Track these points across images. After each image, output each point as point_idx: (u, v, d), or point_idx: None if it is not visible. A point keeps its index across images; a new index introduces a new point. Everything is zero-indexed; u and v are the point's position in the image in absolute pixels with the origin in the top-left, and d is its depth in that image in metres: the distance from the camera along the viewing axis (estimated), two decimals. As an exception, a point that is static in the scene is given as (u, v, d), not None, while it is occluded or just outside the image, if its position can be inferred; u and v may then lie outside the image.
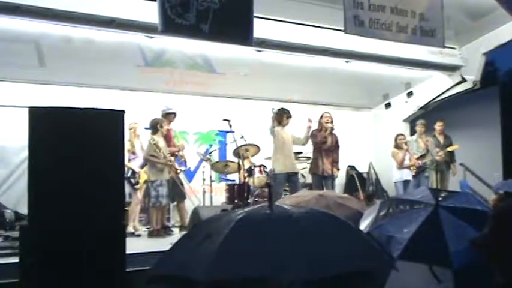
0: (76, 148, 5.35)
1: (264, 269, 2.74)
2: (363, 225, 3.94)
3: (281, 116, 9.66)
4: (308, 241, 2.83)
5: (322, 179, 9.75)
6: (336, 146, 9.88)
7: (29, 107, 5.48)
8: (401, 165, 10.91)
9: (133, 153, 9.60)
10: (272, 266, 2.72)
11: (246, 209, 3.22)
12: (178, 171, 9.47)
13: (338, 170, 10.04)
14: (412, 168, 10.79)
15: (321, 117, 10.01)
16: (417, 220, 3.60)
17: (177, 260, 3.07)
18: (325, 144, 9.72)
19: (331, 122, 9.81)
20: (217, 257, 2.72)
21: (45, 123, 5.37)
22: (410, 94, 12.78)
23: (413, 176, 10.80)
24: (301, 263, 2.71)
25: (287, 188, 9.73)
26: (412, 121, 12.57)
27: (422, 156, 10.87)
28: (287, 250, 2.77)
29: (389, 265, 3.12)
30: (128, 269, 5.55)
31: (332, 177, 9.64)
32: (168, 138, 9.45)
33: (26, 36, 8.75)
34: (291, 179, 9.63)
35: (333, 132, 9.80)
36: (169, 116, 9.68)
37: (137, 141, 9.74)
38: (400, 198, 4.41)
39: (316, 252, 2.77)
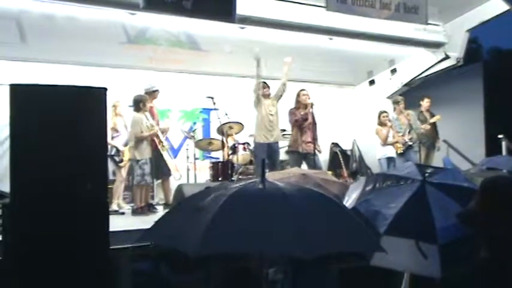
0: (58, 126, 5.28)
1: (253, 245, 2.74)
2: (349, 200, 3.93)
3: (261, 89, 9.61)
4: (300, 219, 2.83)
5: (301, 158, 9.69)
6: (314, 123, 9.77)
7: (10, 85, 5.40)
8: (385, 142, 10.90)
9: (116, 130, 9.52)
10: (261, 242, 2.72)
11: (238, 184, 3.19)
12: (164, 146, 9.35)
13: (318, 146, 9.93)
14: (397, 145, 10.73)
15: (298, 95, 9.86)
16: (403, 195, 3.59)
17: (165, 232, 3.06)
18: (306, 121, 9.66)
19: (309, 98, 9.75)
20: (208, 231, 2.72)
21: (27, 101, 5.29)
22: (394, 71, 12.78)
23: (400, 154, 10.67)
24: (292, 240, 2.70)
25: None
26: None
27: (407, 133, 10.81)
28: (279, 227, 2.76)
29: (377, 246, 3.12)
30: (111, 247, 5.53)
31: (313, 155, 9.57)
32: (152, 116, 9.35)
33: (6, 12, 8.63)
34: (271, 149, 9.58)
35: (310, 110, 9.67)
36: (152, 94, 9.57)
37: (119, 119, 9.65)
38: (386, 174, 4.39)
39: (307, 231, 2.76)
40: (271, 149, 9.56)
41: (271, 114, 9.62)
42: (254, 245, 2.76)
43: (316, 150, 9.65)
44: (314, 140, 9.65)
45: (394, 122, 10.97)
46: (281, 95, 9.79)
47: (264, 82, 9.71)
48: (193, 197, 3.46)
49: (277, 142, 9.79)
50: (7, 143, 5.89)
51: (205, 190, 3.42)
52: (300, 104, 9.80)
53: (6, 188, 5.74)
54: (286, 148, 10.20)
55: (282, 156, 10.51)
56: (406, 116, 10.97)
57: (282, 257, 3.21)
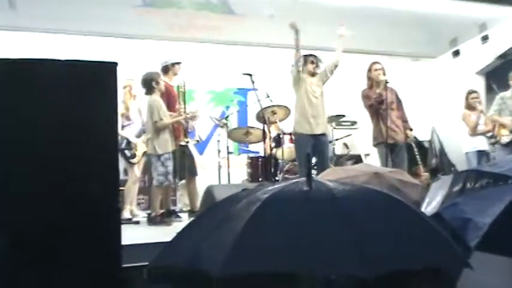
0: (55, 111, 5.31)
1: (297, 262, 2.71)
2: (431, 203, 3.87)
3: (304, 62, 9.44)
4: (358, 229, 2.78)
5: (389, 149, 9.30)
6: (398, 103, 9.54)
7: (-5, 59, 5.46)
8: (473, 132, 10.75)
9: (128, 118, 9.53)
10: (308, 259, 2.69)
11: (277, 186, 3.17)
12: (186, 141, 9.37)
13: (411, 130, 9.63)
14: (500, 132, 10.15)
15: (369, 69, 9.61)
16: (503, 200, 3.50)
17: (186, 250, 3.04)
18: (382, 104, 9.42)
19: (384, 73, 9.54)
20: (237, 247, 2.70)
21: (16, 80, 5.33)
22: (485, 38, 12.58)
23: (505, 145, 10.13)
24: (349, 256, 2.67)
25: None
26: (488, 74, 12.41)
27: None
28: (330, 239, 2.73)
29: (463, 261, 3.07)
30: (124, 265, 5.57)
31: (402, 145, 9.37)
32: (169, 99, 9.26)
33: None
34: (318, 142, 9.31)
35: (388, 85, 9.36)
36: (171, 69, 9.47)
37: (133, 102, 9.65)
38: (480, 170, 4.26)
39: (368, 243, 2.73)
40: (318, 143, 9.27)
41: (315, 97, 9.36)
42: (294, 262, 2.73)
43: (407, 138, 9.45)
44: (403, 122, 9.43)
45: (506, 102, 10.49)
46: (327, 78, 9.60)
47: (313, 55, 9.57)
48: (221, 203, 3.45)
49: (325, 134, 9.49)
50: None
51: (236, 194, 3.39)
52: (373, 82, 9.54)
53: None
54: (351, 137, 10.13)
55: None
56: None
57: (338, 277, 3.17)
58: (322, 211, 2.87)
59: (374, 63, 9.66)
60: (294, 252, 2.70)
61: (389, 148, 9.24)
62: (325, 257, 2.68)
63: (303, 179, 3.14)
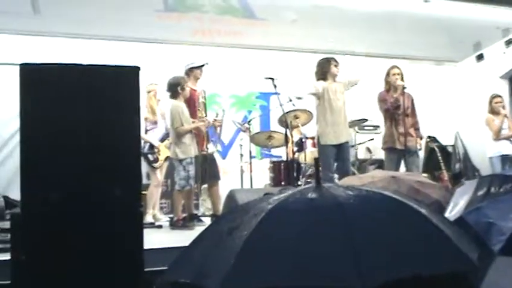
0: (79, 116, 5.34)
1: (302, 276, 2.67)
2: (455, 207, 3.84)
3: (328, 65, 9.41)
4: (356, 236, 2.72)
5: (400, 155, 9.34)
6: (412, 109, 9.53)
7: (20, 64, 5.49)
8: (497, 136, 10.71)
9: (151, 122, 9.60)
10: (312, 272, 2.65)
11: (284, 194, 3.12)
12: (206, 148, 9.37)
13: (421, 138, 9.71)
14: None
15: (388, 74, 9.54)
16: (527, 204, 3.49)
17: (195, 262, 2.99)
18: (398, 109, 9.39)
19: (402, 78, 9.50)
20: (238, 261, 2.62)
21: (41, 85, 5.36)
22: (509, 42, 12.49)
23: None
24: (348, 267, 2.62)
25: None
26: (512, 78, 12.35)
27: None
28: (336, 251, 2.68)
29: (473, 265, 3.02)
30: (146, 269, 5.58)
31: (415, 150, 9.37)
32: (190, 103, 9.22)
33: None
34: (341, 149, 9.29)
35: (405, 91, 9.33)
36: (192, 72, 9.44)
37: (157, 107, 9.73)
38: (505, 175, 4.24)
39: (368, 253, 2.67)
40: (341, 150, 9.27)
41: (339, 105, 9.30)
42: (294, 279, 2.67)
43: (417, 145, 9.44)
44: (415, 130, 9.44)
45: None
46: (347, 89, 9.55)
47: (333, 59, 9.49)
48: (230, 213, 3.40)
49: (347, 142, 9.49)
50: (16, 139, 6.02)
51: (246, 204, 3.33)
52: (390, 86, 9.50)
53: (16, 194, 5.86)
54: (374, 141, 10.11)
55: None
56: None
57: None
58: (329, 219, 2.81)
59: (393, 67, 9.61)
60: (295, 267, 2.65)
61: (401, 154, 9.29)
62: (325, 270, 2.64)
63: (311, 185, 3.11)
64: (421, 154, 12.12)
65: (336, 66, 9.39)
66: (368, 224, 2.79)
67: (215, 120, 9.55)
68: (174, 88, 8.96)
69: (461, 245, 2.97)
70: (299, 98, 10.10)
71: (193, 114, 9.20)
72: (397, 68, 9.57)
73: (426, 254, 2.80)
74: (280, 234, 2.74)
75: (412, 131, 9.36)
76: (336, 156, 9.15)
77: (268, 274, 2.61)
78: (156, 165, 9.52)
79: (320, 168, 9.53)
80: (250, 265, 2.63)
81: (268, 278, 2.60)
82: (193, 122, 9.05)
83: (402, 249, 2.75)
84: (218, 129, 9.70)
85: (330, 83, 9.32)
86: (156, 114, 9.62)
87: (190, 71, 9.44)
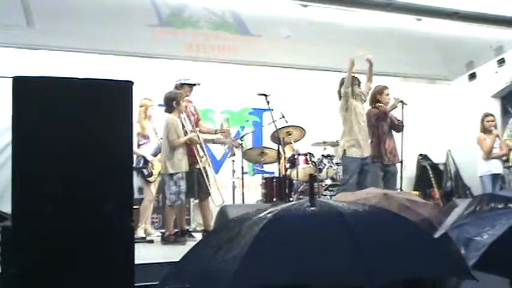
0: (72, 129, 5.33)
1: (315, 273, 2.70)
2: (446, 225, 3.87)
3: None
4: (357, 239, 2.77)
5: (383, 170, 9.66)
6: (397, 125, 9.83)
7: (13, 77, 5.48)
8: (488, 155, 10.74)
9: (144, 136, 9.59)
10: (313, 273, 2.69)
11: (282, 206, 3.18)
12: (203, 158, 9.34)
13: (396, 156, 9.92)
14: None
15: (380, 92, 9.81)
16: (508, 221, 3.49)
17: (194, 270, 3.04)
18: (386, 117, 9.68)
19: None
20: (242, 266, 2.67)
21: (34, 97, 5.35)
22: (501, 62, 12.53)
23: None
24: (350, 267, 2.67)
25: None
26: (504, 97, 12.36)
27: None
28: (343, 250, 2.74)
29: (466, 272, 3.06)
30: (137, 284, 5.56)
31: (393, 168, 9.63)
32: (189, 116, 9.31)
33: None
34: (365, 164, 9.44)
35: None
36: (184, 88, 9.42)
37: (148, 122, 9.72)
38: (494, 194, 4.29)
39: (370, 255, 2.72)
40: (365, 164, 9.42)
41: (364, 121, 9.49)
42: (300, 274, 2.72)
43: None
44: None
45: None
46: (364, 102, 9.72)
47: (356, 77, 9.54)
48: (227, 224, 3.44)
49: (368, 156, 9.57)
50: (8, 152, 6.00)
51: (244, 214, 3.38)
52: (380, 103, 9.75)
53: (7, 207, 5.82)
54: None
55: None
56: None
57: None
58: (326, 229, 2.86)
59: (386, 87, 9.88)
60: (296, 267, 2.70)
61: (384, 168, 9.66)
62: (335, 268, 2.68)
63: (306, 198, 3.16)
64: (412, 173, 12.21)
65: (358, 86, 9.56)
66: (368, 229, 2.90)
67: (222, 130, 9.70)
68: (170, 103, 9.00)
69: (452, 254, 3.14)
70: None
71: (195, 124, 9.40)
72: (388, 89, 9.90)
73: (422, 260, 2.91)
74: (287, 236, 2.83)
75: (396, 147, 9.72)
76: (360, 170, 9.35)
77: (280, 272, 2.69)
78: (150, 179, 9.51)
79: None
80: (251, 275, 2.68)
81: (281, 275, 2.68)
82: (192, 132, 9.14)
83: (403, 252, 2.86)
84: (228, 138, 9.74)
85: (354, 101, 9.45)
86: (146, 129, 9.60)
87: (181, 86, 9.45)
